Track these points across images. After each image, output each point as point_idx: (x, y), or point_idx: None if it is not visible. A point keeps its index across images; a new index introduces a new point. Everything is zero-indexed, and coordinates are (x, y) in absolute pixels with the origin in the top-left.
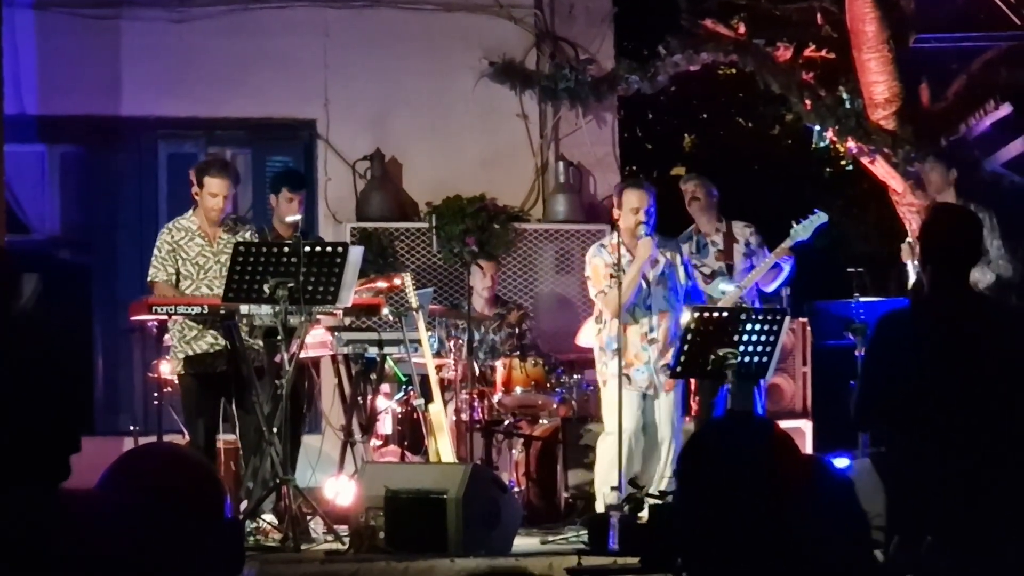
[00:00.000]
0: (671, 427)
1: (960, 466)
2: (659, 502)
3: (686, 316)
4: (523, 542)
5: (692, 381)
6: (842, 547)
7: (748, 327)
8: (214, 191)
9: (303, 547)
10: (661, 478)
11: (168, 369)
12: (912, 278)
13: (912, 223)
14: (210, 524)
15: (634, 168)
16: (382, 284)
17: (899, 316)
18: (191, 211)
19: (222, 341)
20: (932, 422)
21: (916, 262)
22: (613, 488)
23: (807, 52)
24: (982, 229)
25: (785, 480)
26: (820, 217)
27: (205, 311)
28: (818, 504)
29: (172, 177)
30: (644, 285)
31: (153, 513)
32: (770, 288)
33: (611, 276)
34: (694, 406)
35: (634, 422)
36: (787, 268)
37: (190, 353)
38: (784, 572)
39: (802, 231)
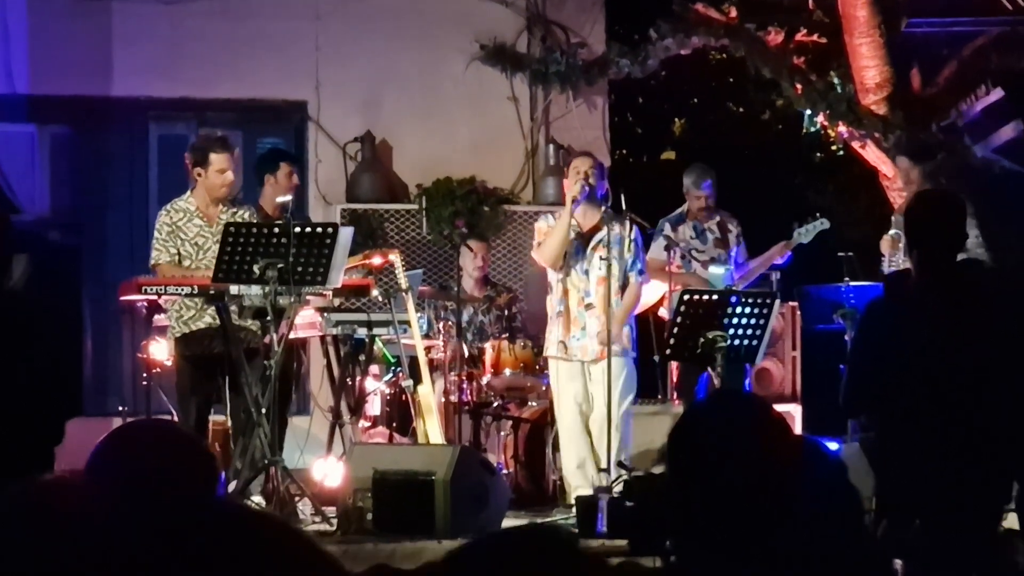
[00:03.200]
0: (604, 399)
1: (948, 450)
2: (647, 484)
3: (647, 292)
4: (511, 524)
5: (674, 366)
6: (834, 527)
7: (738, 310)
8: (222, 167)
9: None
10: (605, 455)
11: (161, 350)
12: (887, 269)
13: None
14: (203, 501)
15: (624, 152)
16: (377, 260)
17: (887, 301)
18: (188, 192)
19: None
20: (920, 407)
21: (893, 255)
22: (601, 469)
23: (798, 37)
24: (966, 213)
25: (776, 460)
26: (823, 224)
27: (195, 291)
28: (810, 484)
29: (163, 158)
30: (582, 247)
31: (144, 492)
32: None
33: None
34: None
35: (579, 395)
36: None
37: (186, 332)
38: (776, 553)
39: (804, 236)
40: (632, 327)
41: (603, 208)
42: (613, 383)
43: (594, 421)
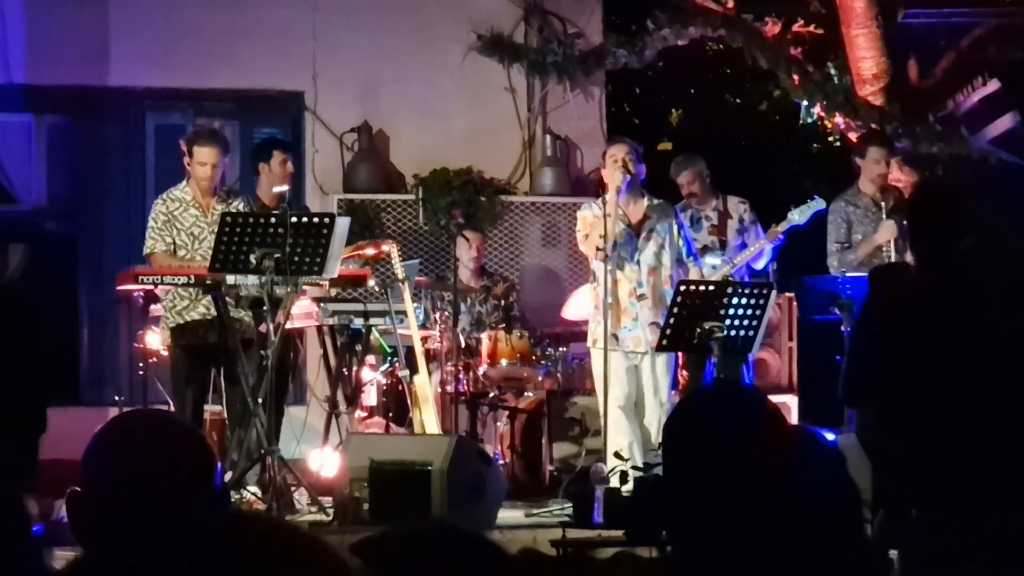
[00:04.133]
0: (655, 389)
1: (945, 441)
2: (642, 474)
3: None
4: (507, 515)
5: (680, 354)
6: (831, 519)
7: (734, 301)
8: (203, 160)
9: (287, 518)
10: (648, 446)
11: (157, 340)
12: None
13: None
14: (201, 492)
15: None
16: (370, 251)
17: (887, 292)
18: (184, 182)
19: (214, 311)
20: (918, 398)
21: (900, 245)
22: (599, 461)
23: (795, 27)
24: (967, 203)
25: (773, 450)
26: (817, 203)
27: (191, 281)
28: (807, 475)
29: (159, 148)
30: (632, 237)
31: (141, 483)
32: (759, 265)
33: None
34: (681, 380)
35: (624, 386)
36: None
37: (180, 323)
38: (772, 545)
39: (798, 216)
40: None
41: (645, 195)
42: (662, 378)
43: (650, 423)
